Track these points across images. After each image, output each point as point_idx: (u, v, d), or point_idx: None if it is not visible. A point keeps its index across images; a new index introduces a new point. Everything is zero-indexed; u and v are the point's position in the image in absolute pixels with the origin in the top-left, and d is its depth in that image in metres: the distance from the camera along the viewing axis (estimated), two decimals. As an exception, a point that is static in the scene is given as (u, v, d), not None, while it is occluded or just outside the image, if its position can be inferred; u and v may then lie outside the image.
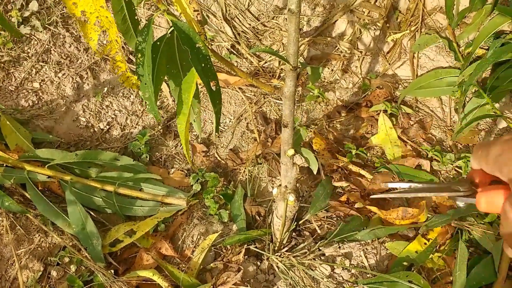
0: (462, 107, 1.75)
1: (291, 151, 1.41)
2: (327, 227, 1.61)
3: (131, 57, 2.05)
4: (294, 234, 1.58)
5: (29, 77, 1.97)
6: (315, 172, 1.64)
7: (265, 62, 2.14)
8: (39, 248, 1.55)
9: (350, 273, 1.48)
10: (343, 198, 1.67)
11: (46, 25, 2.03)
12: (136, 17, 1.07)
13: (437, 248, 1.53)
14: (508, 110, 1.88)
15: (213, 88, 1.28)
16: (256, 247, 1.54)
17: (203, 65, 1.12)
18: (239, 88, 2.06)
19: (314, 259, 1.51)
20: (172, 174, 1.77)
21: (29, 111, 1.88)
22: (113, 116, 1.92)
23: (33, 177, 1.66)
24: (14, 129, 1.75)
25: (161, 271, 1.50)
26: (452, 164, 1.79)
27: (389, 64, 2.07)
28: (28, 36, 2.01)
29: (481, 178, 0.62)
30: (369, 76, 2.08)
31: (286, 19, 2.09)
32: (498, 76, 1.70)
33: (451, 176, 1.79)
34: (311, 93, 2.01)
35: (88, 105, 1.94)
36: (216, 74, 1.16)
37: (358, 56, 2.12)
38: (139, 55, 1.08)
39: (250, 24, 2.13)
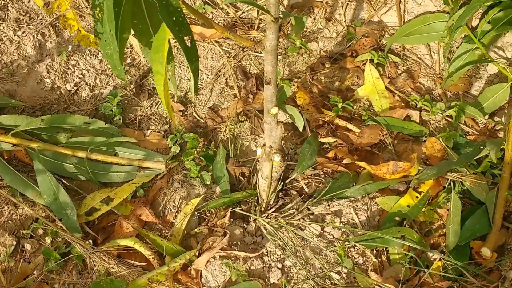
0: (449, 51, 1.67)
1: (275, 110, 1.31)
2: (315, 185, 1.53)
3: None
4: (281, 194, 1.51)
5: (-15, 37, 1.80)
6: (300, 129, 1.55)
7: (243, 13, 1.99)
8: (9, 221, 1.45)
9: (340, 231, 1.42)
10: (331, 154, 1.59)
11: (0, -22, 1.84)
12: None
13: (429, 201, 1.48)
14: (499, 55, 1.80)
15: (188, 43, 1.17)
16: (241, 209, 1.47)
17: (174, 18, 1.00)
18: (216, 42, 1.92)
19: (303, 218, 1.44)
20: (149, 136, 1.66)
21: (-12, 74, 1.73)
22: (80, 76, 1.78)
23: (-3, 145, 1.53)
24: (-29, 95, 1.60)
25: (142, 239, 1.42)
26: (442, 114, 1.72)
27: (375, 10, 1.96)
28: (-21, -10, 1.82)
29: None
30: (353, 24, 1.96)
31: (263, -36, 1.94)
32: (489, 20, 1.60)
33: (441, 126, 1.72)
34: (293, 45, 1.89)
35: (52, 65, 1.78)
36: (189, 28, 1.04)
37: (342, 3, 1.99)
38: (97, 11, 0.95)
39: (224, -29, 1.96)
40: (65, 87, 1.74)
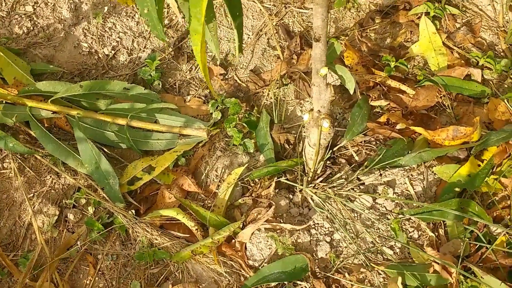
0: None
1: (324, 70, 1.20)
2: (365, 153, 1.43)
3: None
4: (328, 162, 1.41)
5: (21, 0, 1.75)
6: (351, 92, 1.43)
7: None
8: (52, 191, 1.44)
9: (394, 203, 1.33)
10: (383, 119, 1.47)
11: None
12: None
13: (492, 170, 1.36)
14: None
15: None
16: (287, 179, 1.39)
17: None
18: (259, -2, 1.79)
19: (353, 189, 1.35)
20: (189, 102, 1.59)
21: (25, 39, 1.69)
22: (117, 39, 1.71)
23: (37, 113, 1.50)
24: (10, 61, 1.57)
25: (185, 210, 1.38)
26: (507, 72, 1.55)
27: (432, -44, 1.76)
28: (12, -49, 1.75)
29: None
30: (407, -27, 1.78)
31: None
32: None
33: (506, 86, 1.56)
34: (340, -1, 1.74)
35: (89, 28, 1.72)
36: None
37: (394, -50, 1.80)
38: (132, -40, 0.85)
39: None
40: (103, 51, 1.69)
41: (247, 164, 1.43)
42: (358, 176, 1.37)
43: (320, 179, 1.38)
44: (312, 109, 1.28)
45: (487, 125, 1.48)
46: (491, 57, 1.59)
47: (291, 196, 1.38)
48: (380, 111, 1.52)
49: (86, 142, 1.44)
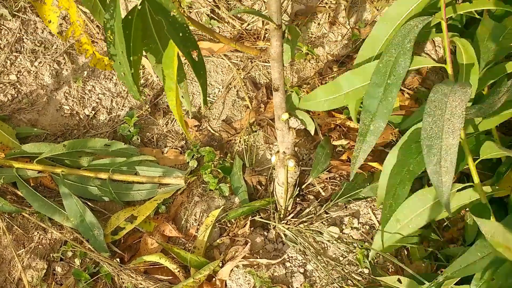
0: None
1: (285, 116, 1.35)
2: (331, 188, 1.56)
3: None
4: (298, 199, 1.54)
5: (5, 70, 1.88)
6: (312, 133, 1.58)
7: (248, 24, 2.04)
8: (39, 246, 1.51)
9: (359, 231, 1.45)
10: (344, 157, 1.61)
11: (15, 13, 1.92)
12: (100, -8, 0.99)
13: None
14: None
15: (195, 58, 1.20)
16: (261, 218, 1.50)
17: (180, 34, 1.05)
18: (225, 55, 1.97)
19: (322, 222, 1.47)
20: (166, 153, 1.72)
21: (10, 105, 1.80)
22: (97, 100, 1.85)
23: (23, 174, 1.60)
24: (-4, 127, 1.68)
25: (167, 254, 1.47)
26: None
27: (377, 10, 1.98)
28: (-4, 27, 1.91)
29: None
30: (358, 26, 1.99)
31: (264, -25, 1.98)
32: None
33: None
34: (299, 51, 1.93)
35: (70, 91, 1.85)
36: (196, 42, 1.09)
37: (344, 6, 2.02)
38: (109, 33, 1.00)
39: (227, -14, 2.01)
40: (84, 112, 1.81)
41: (223, 207, 1.54)
42: (326, 210, 1.49)
43: (291, 215, 1.50)
44: (278, 151, 1.42)
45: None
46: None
47: (265, 233, 1.49)
48: (342, 150, 1.66)
49: (71, 197, 1.53)
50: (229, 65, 1.94)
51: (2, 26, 1.91)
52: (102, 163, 1.63)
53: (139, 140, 1.73)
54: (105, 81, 1.89)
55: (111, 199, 1.60)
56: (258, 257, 1.42)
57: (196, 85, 1.90)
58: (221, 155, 1.69)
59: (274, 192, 1.50)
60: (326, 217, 1.48)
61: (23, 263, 1.46)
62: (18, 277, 1.45)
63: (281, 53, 1.27)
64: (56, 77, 1.88)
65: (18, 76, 1.87)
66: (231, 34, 2.04)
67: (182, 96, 1.33)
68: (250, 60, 1.96)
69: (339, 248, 1.41)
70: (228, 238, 1.47)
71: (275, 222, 1.47)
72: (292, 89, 1.73)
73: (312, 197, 1.55)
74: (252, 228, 1.49)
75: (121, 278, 1.43)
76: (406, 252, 1.41)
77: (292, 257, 1.43)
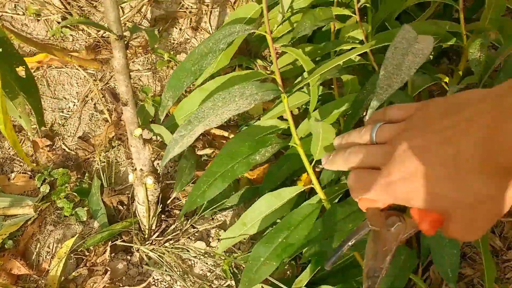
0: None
1: (138, 131, 1.26)
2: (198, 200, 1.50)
3: None
4: (163, 216, 1.45)
5: None
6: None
7: (105, 32, 1.90)
8: None
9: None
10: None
11: None
12: None
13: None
14: None
15: (23, 75, 1.08)
16: (123, 241, 1.39)
17: (0, 49, 0.93)
18: (79, 66, 1.81)
19: (189, 237, 1.40)
20: (13, 180, 1.53)
21: None
22: None
23: None
24: None
25: (16, 295, 1.30)
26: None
27: (238, 14, 1.96)
28: None
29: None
30: (219, 30, 1.95)
31: (116, -21, 1.86)
32: None
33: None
34: (161, 59, 1.84)
35: None
36: (21, 57, 0.97)
37: (205, 11, 1.97)
38: None
39: (76, -9, 1.86)
40: None
41: (77, 234, 1.40)
42: (192, 224, 1.42)
43: (157, 234, 1.41)
44: (135, 169, 1.32)
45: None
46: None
47: (129, 257, 1.38)
48: (208, 159, 1.61)
49: None
50: (85, 76, 1.80)
51: None
52: None
53: (-21, 168, 1.52)
54: None
55: None
56: (121, 285, 1.31)
57: (47, 100, 1.73)
58: (79, 176, 1.55)
59: (137, 212, 1.40)
60: (193, 231, 1.42)
61: None
62: None
63: (125, 65, 1.18)
64: None
65: None
66: (86, 42, 1.89)
67: (19, 116, 1.19)
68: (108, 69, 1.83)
69: (206, 263, 1.35)
70: (86, 268, 1.34)
71: (138, 244, 1.37)
72: (149, 99, 1.64)
73: (178, 211, 1.47)
74: (113, 254, 1.38)
75: (-40, 331, 1.24)
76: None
77: (158, 279, 1.34)
